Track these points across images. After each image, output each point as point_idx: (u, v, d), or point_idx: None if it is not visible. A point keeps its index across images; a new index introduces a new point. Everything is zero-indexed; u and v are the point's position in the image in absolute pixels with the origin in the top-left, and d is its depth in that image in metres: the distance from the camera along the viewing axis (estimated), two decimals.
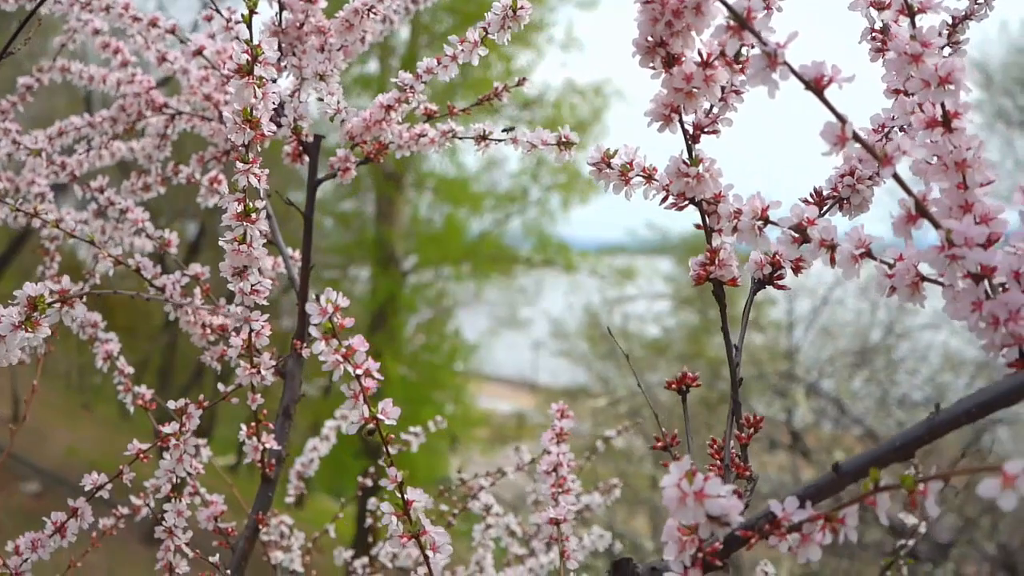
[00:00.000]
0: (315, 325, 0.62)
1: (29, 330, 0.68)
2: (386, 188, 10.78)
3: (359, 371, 0.62)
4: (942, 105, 0.54)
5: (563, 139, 0.83)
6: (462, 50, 0.88)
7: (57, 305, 0.68)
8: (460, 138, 0.95)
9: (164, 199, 1.20)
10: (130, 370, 1.11)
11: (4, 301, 0.73)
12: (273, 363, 0.92)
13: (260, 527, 1.00)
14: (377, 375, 0.63)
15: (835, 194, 0.70)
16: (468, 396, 10.73)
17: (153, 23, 1.12)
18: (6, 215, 1.13)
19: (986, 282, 0.52)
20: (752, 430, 0.64)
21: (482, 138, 0.94)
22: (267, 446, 0.98)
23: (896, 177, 0.52)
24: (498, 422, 11.07)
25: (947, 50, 0.67)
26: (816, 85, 0.51)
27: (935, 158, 0.55)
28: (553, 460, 0.97)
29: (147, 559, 1.02)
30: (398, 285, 10.67)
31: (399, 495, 0.66)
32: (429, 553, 0.65)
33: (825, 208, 0.70)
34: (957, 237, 0.51)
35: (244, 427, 0.98)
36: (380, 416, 0.64)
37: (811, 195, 0.70)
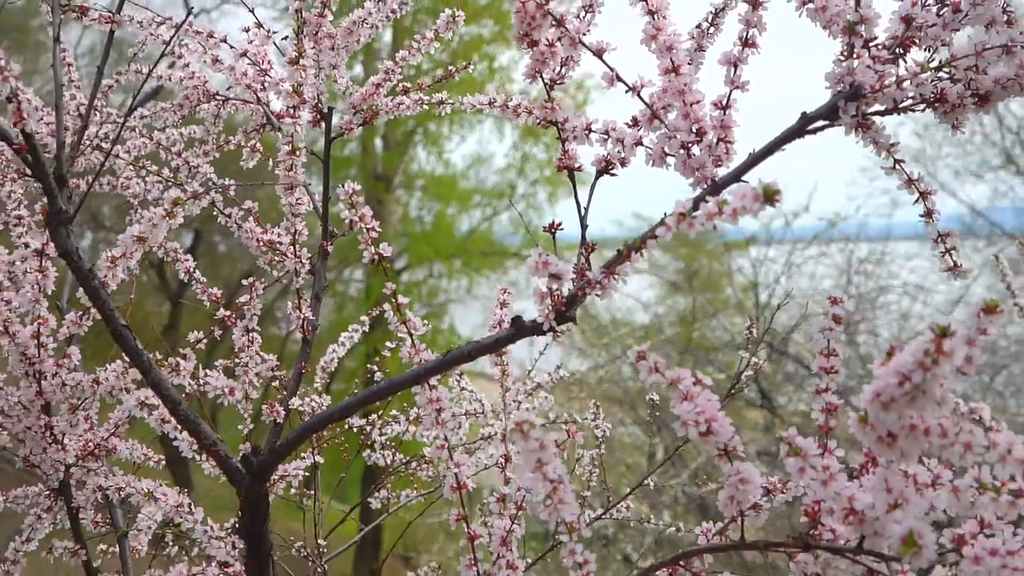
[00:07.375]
0: (341, 200, 1.10)
1: (171, 218, 1.16)
2: (376, 189, 11.25)
3: (368, 226, 1.11)
4: (671, 59, 1.02)
5: (492, 100, 1.31)
6: (425, 43, 1.38)
7: (191, 200, 1.15)
8: (427, 104, 1.44)
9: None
10: (204, 280, 1.58)
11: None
12: (309, 255, 1.41)
13: (303, 372, 1.48)
14: (378, 228, 1.11)
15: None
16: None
17: (210, 35, 1.59)
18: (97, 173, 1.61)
19: (691, 150, 1.00)
20: (591, 250, 1.12)
21: (442, 103, 1.43)
22: (306, 316, 1.46)
23: (643, 100, 1.00)
24: None
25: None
26: (598, 53, 1.00)
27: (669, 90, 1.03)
28: (497, 319, 1.45)
29: None
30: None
31: (394, 300, 1.14)
32: (412, 331, 1.13)
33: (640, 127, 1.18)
34: (671, 127, 0.99)
35: (289, 303, 1.46)
36: (382, 251, 1.12)
37: (632, 118, 1.18)
